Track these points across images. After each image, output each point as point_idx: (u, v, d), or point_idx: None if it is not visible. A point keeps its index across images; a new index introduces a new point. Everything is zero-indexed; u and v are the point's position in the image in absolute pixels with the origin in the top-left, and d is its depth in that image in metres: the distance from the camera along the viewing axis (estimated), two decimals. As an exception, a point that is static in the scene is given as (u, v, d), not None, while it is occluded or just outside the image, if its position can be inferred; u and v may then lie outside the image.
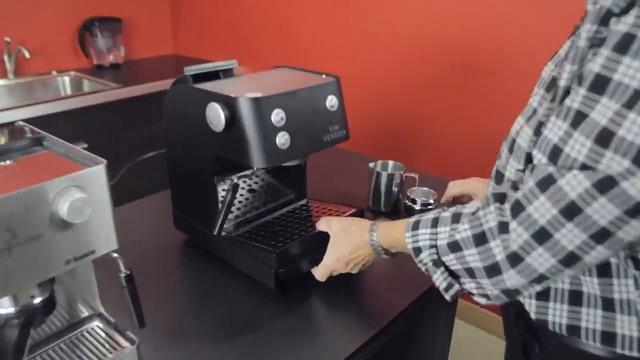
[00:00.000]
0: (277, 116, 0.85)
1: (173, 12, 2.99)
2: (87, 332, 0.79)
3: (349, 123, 0.99)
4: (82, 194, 0.58)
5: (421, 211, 1.19)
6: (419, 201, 1.19)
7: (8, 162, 0.65)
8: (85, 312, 0.80)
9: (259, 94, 0.84)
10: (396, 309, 0.92)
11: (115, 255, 0.68)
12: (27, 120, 1.99)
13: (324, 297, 0.95)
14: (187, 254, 1.08)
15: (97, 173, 0.61)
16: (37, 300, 0.63)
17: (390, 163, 1.30)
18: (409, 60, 2.01)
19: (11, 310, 0.61)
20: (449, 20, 1.84)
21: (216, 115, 0.85)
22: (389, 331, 0.90)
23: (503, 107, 1.78)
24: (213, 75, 0.99)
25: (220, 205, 0.94)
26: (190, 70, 0.95)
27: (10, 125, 0.75)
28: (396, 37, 2.01)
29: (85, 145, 2.21)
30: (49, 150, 0.69)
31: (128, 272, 0.69)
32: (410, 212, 1.21)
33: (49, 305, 0.65)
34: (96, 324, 0.80)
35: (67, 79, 2.58)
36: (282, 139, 0.86)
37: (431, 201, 1.19)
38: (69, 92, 2.59)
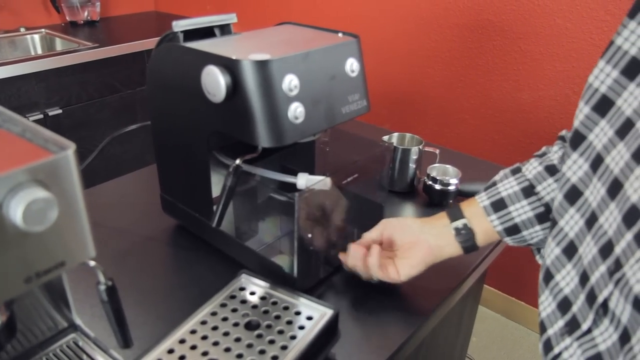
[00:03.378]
0: (290, 84, 0.69)
1: (153, -35, 2.76)
2: (62, 350, 0.64)
3: None
4: (44, 192, 0.43)
5: (441, 192, 1.06)
6: (439, 180, 1.05)
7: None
8: (58, 326, 0.65)
9: (266, 56, 0.68)
10: (426, 313, 0.79)
11: (92, 263, 0.53)
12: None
13: (347, 301, 0.82)
14: (180, 243, 0.93)
15: (64, 162, 0.45)
16: (-11, 329, 0.48)
17: (407, 136, 1.15)
18: (420, 20, 1.84)
19: (-48, 344, 0.47)
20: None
21: (214, 82, 0.69)
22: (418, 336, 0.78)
23: (529, 76, 1.64)
24: (208, 33, 0.83)
25: (220, 192, 0.79)
26: (180, 25, 0.79)
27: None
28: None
29: (60, 112, 2.03)
30: (3, 129, 0.53)
31: (109, 284, 0.54)
32: (429, 192, 1.07)
33: (8, 330, 0.50)
34: (73, 339, 0.65)
35: (37, 37, 2.37)
36: (295, 112, 0.70)
37: (454, 180, 1.05)
38: (39, 51, 2.38)
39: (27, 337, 0.63)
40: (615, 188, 0.51)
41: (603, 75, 0.56)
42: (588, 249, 0.54)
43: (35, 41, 2.37)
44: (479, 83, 1.75)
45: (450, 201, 1.07)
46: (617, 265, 0.49)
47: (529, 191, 0.72)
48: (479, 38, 1.70)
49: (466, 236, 0.76)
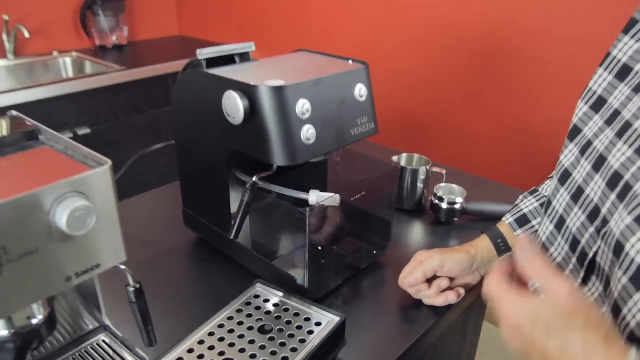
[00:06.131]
0: (302, 108, 0.76)
1: (178, -8, 2.88)
2: (92, 347, 0.71)
3: None
4: (84, 202, 0.49)
5: (448, 211, 1.11)
6: (446, 199, 1.10)
7: None
8: (90, 325, 0.72)
9: (281, 82, 0.75)
10: (426, 324, 0.84)
11: (123, 267, 0.59)
12: (27, 104, 1.92)
13: (354, 310, 0.87)
14: (200, 255, 1.00)
15: (101, 176, 0.52)
16: (35, 321, 0.55)
17: (415, 157, 1.21)
18: (427, 45, 1.91)
19: (5, 333, 0.53)
20: (472, 4, 1.74)
21: (234, 106, 0.76)
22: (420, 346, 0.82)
23: (537, 96, 1.69)
24: (228, 60, 0.90)
25: (237, 207, 0.85)
26: (204, 53, 0.86)
27: (1, 114, 0.66)
28: (416, 21, 1.91)
29: (88, 131, 2.13)
30: (46, 145, 0.60)
31: (137, 286, 0.61)
32: (436, 210, 1.12)
33: (49, 325, 0.57)
34: (102, 338, 0.72)
35: (68, 60, 2.49)
36: (307, 133, 0.77)
37: (459, 199, 1.10)
38: (70, 74, 2.49)
39: (62, 335, 0.70)
40: (600, 162, 0.61)
41: (600, 80, 0.67)
42: (576, 218, 0.64)
43: (67, 64, 2.48)
44: (490, 106, 1.80)
45: (456, 219, 1.12)
46: (604, 223, 0.58)
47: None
48: (490, 63, 1.76)
49: (505, 251, 0.88)
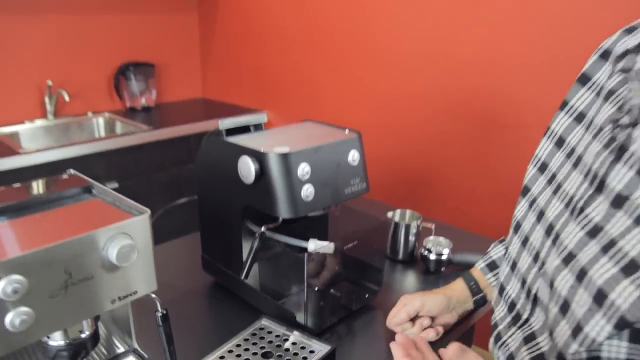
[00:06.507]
0: (303, 170, 0.92)
1: (203, 58, 3.14)
2: (122, 366, 0.85)
3: (369, 172, 1.06)
4: (129, 241, 0.65)
5: (436, 261, 1.24)
6: (434, 251, 1.24)
7: (61, 208, 0.73)
8: (121, 348, 0.86)
9: (286, 149, 0.92)
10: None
11: (153, 295, 0.74)
12: (63, 161, 2.12)
13: (347, 343, 1.00)
14: (216, 296, 1.14)
15: (142, 222, 0.68)
16: (84, 335, 0.70)
17: (408, 212, 1.35)
18: (428, 112, 2.08)
19: (62, 343, 0.68)
20: (466, 76, 1.92)
21: (247, 168, 0.92)
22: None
23: (518, 159, 1.84)
24: (244, 129, 1.08)
25: (247, 252, 1.01)
26: (224, 124, 1.03)
27: (62, 173, 0.84)
28: (415, 89, 2.10)
29: (116, 185, 2.32)
30: (98, 198, 0.77)
31: (164, 312, 0.75)
32: (425, 260, 1.26)
33: (94, 340, 0.72)
34: (131, 359, 0.86)
35: (101, 120, 2.72)
36: (306, 192, 0.93)
37: (445, 251, 1.24)
38: (102, 133, 2.72)
39: (98, 355, 0.84)
40: (540, 215, 0.75)
41: (543, 148, 0.82)
42: (524, 261, 0.77)
43: (99, 124, 2.71)
44: (481, 167, 1.96)
45: (443, 268, 1.25)
46: (542, 264, 0.71)
47: None
48: (487, 126, 1.92)
49: (477, 293, 1.01)
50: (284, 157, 0.91)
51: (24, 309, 0.58)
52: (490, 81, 1.86)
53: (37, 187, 0.78)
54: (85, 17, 2.62)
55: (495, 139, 1.91)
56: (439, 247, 1.26)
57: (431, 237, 1.29)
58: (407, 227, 1.28)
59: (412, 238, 1.29)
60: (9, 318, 0.57)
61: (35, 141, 2.49)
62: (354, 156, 1.01)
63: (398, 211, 1.36)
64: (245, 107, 2.88)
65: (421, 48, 2.04)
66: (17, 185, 0.78)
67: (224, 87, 3.07)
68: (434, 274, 1.26)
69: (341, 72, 2.37)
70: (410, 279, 1.26)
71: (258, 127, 1.09)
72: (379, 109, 2.27)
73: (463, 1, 1.87)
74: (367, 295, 1.10)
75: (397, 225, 1.29)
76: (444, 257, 1.24)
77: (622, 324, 0.56)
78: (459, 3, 1.88)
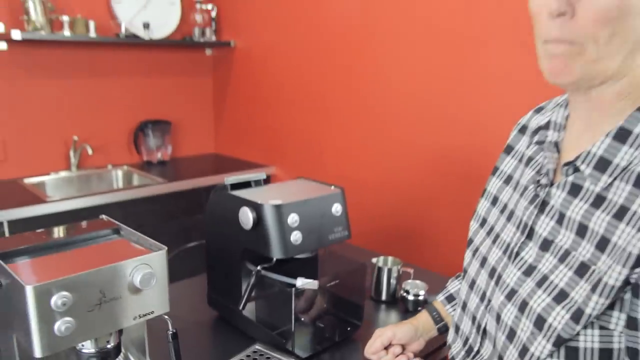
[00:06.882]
0: (293, 219, 1.11)
1: (216, 117, 3.40)
2: (136, 379, 1.02)
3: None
4: (150, 269, 0.84)
5: (414, 302, 1.41)
6: (411, 292, 1.41)
7: (97, 245, 0.92)
8: (136, 364, 1.03)
9: (279, 202, 1.11)
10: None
11: (166, 316, 0.92)
12: (84, 209, 2.33)
13: (324, 366, 1.16)
14: (218, 326, 1.31)
15: (160, 255, 0.87)
16: (110, 345, 0.87)
17: (390, 259, 1.53)
18: (417, 169, 2.28)
19: (92, 350, 0.86)
20: (453, 136, 2.13)
21: (246, 217, 1.11)
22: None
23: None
24: (247, 184, 1.28)
25: (245, 287, 1.19)
26: (229, 180, 1.24)
27: (95, 218, 1.03)
28: (406, 148, 2.31)
29: (132, 232, 2.51)
30: (125, 237, 0.96)
31: (174, 331, 0.93)
32: (404, 301, 1.42)
33: (117, 350, 0.89)
34: (144, 374, 1.03)
35: (120, 172, 2.94)
36: (295, 237, 1.12)
37: (422, 292, 1.41)
38: (120, 184, 2.94)
39: (118, 370, 1.01)
40: (483, 261, 0.91)
41: (482, 206, 0.99)
42: (473, 301, 0.92)
43: (118, 175, 2.94)
44: (461, 217, 2.13)
45: (419, 308, 1.41)
46: (489, 302, 0.87)
47: None
48: (467, 181, 2.11)
49: (440, 321, 1.16)
50: (277, 208, 1.10)
51: (68, 318, 0.76)
52: (475, 140, 2.06)
53: (77, 228, 0.98)
54: (110, 80, 2.90)
55: (473, 193, 2.09)
56: (416, 289, 1.42)
57: (410, 281, 1.46)
58: (389, 271, 1.45)
59: (393, 281, 1.46)
60: (57, 325, 0.75)
61: (59, 191, 2.71)
62: (337, 208, 1.21)
63: (382, 257, 1.53)
64: (254, 162, 3.11)
65: (411, 110, 2.26)
66: (60, 227, 0.97)
67: (234, 143, 3.31)
68: (412, 313, 1.42)
69: (340, 132, 2.59)
70: (392, 317, 1.42)
71: (258, 182, 1.29)
72: (374, 166, 2.47)
73: (455, 65, 2.10)
74: (349, 329, 1.27)
75: (380, 269, 1.46)
76: (420, 298, 1.41)
77: (559, 342, 0.72)
78: (452, 67, 2.11)
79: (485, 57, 1.93)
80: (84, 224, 0.99)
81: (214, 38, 3.12)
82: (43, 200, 2.29)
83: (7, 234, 2.19)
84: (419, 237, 2.32)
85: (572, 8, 0.68)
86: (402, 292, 1.44)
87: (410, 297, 1.41)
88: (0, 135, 2.59)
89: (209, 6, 3.08)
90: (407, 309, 1.43)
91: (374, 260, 1.52)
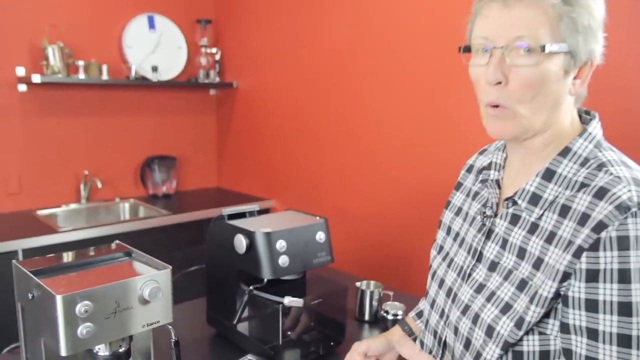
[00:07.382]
0: (280, 245, 1.28)
1: (219, 153, 3.59)
2: (143, 384, 1.17)
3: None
4: (157, 285, 1.00)
5: (393, 321, 1.56)
6: (391, 312, 1.56)
7: (113, 265, 1.08)
8: (143, 370, 1.18)
9: (269, 230, 1.28)
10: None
11: (169, 326, 1.08)
12: (93, 239, 2.49)
13: (308, 376, 1.31)
14: (214, 342, 1.46)
15: (165, 273, 1.03)
16: (122, 350, 1.03)
17: (372, 282, 1.69)
18: (400, 201, 2.45)
19: (107, 353, 1.01)
20: (432, 172, 2.30)
21: (240, 242, 1.28)
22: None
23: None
24: (242, 214, 1.44)
25: (239, 304, 1.34)
26: (226, 211, 1.41)
27: (109, 243, 1.20)
28: (392, 183, 2.48)
29: (138, 261, 2.67)
30: (135, 259, 1.13)
31: (176, 339, 1.09)
32: (384, 321, 1.57)
33: (127, 355, 1.05)
34: (149, 379, 1.18)
35: (127, 205, 3.12)
36: (283, 260, 1.28)
37: (400, 312, 1.56)
38: (127, 216, 3.11)
39: (127, 375, 1.16)
40: (441, 283, 1.05)
41: (440, 236, 1.13)
42: (433, 318, 1.06)
43: (125, 208, 3.11)
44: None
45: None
46: (447, 317, 1.00)
47: None
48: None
49: (411, 335, 1.29)
50: (267, 235, 1.27)
51: (89, 324, 0.92)
52: (449, 176, 2.23)
53: (95, 251, 1.15)
54: (119, 118, 3.10)
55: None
56: (395, 310, 1.58)
57: (389, 302, 1.61)
58: (372, 293, 1.61)
59: (374, 303, 1.61)
60: (79, 329, 0.91)
61: (70, 222, 2.88)
62: (320, 236, 1.37)
63: (365, 281, 1.69)
64: (254, 196, 3.28)
65: (397, 148, 2.44)
66: (82, 250, 1.14)
67: (236, 178, 3.49)
68: (391, 332, 1.57)
69: (334, 168, 2.78)
70: (374, 335, 1.56)
71: (252, 213, 1.47)
72: (364, 198, 2.64)
73: (436, 111, 2.29)
74: (332, 344, 1.42)
75: (363, 292, 1.61)
76: (399, 317, 1.56)
77: (506, 346, 0.87)
78: (434, 112, 2.30)
79: (462, 105, 2.12)
80: (101, 247, 1.16)
81: (217, 79, 3.34)
82: (55, 231, 2.46)
83: (22, 261, 2.35)
84: (400, 262, 2.47)
85: (506, 78, 0.86)
86: (382, 312, 1.59)
87: (390, 317, 1.57)
88: (16, 169, 2.78)
89: (214, 50, 3.31)
90: (387, 328, 1.58)
91: (358, 284, 1.67)
